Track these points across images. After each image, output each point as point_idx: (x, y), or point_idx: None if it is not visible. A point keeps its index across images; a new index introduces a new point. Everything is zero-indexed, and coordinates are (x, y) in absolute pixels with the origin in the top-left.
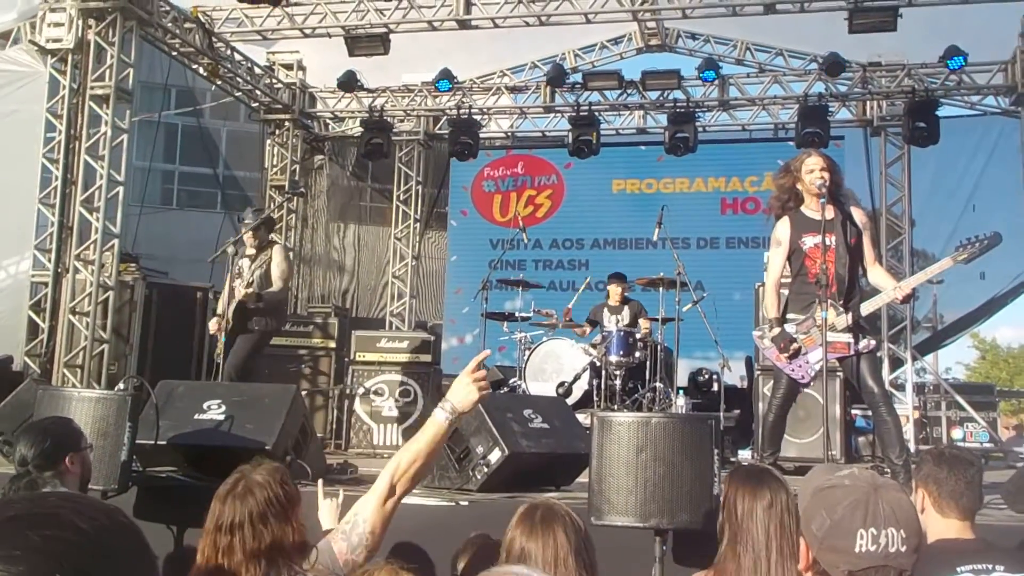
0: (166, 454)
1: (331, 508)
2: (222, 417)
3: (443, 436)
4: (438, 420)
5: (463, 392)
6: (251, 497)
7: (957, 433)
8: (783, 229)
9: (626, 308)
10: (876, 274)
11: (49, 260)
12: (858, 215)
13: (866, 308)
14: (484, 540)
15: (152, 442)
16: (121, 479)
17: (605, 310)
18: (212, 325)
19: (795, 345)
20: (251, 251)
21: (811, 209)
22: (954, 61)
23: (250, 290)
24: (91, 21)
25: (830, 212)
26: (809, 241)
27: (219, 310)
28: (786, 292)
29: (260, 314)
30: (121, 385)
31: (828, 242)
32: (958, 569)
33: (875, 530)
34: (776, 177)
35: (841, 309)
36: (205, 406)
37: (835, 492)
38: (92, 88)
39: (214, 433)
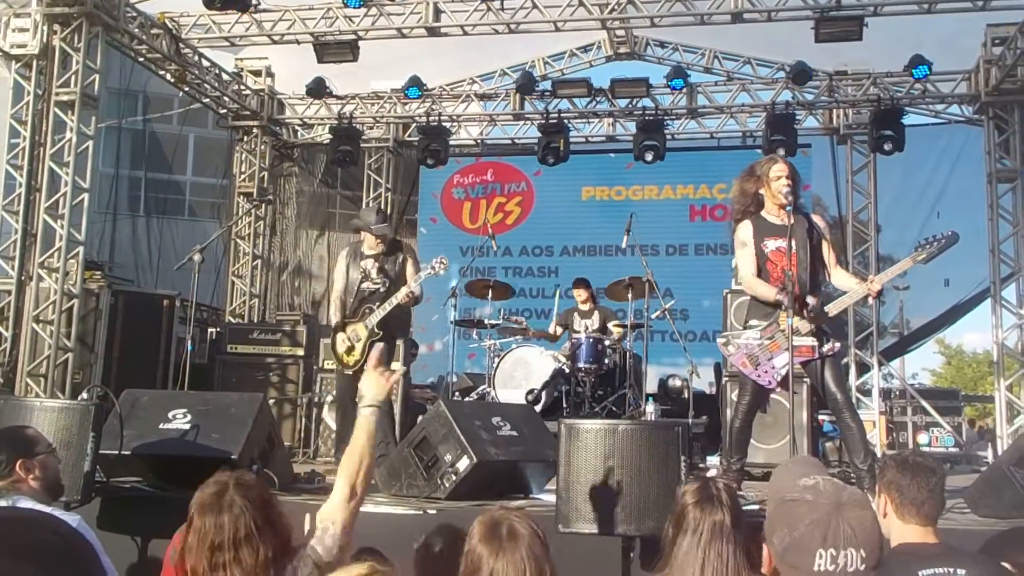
0: (130, 464)
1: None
2: (187, 426)
3: (376, 430)
4: (367, 417)
5: (376, 386)
6: (243, 506)
7: (923, 438)
8: (746, 230)
9: (596, 314)
10: (839, 276)
11: (12, 268)
12: (818, 220)
13: (833, 309)
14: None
15: (116, 452)
16: (84, 490)
17: (576, 315)
18: (349, 332)
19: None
20: (374, 251)
21: (772, 214)
22: (919, 70)
23: (413, 292)
24: (56, 26)
25: (788, 217)
26: (771, 245)
27: (335, 313)
28: (746, 298)
29: (400, 324)
30: (84, 395)
31: (791, 246)
32: (919, 573)
33: (834, 551)
34: (742, 180)
35: (804, 313)
36: (170, 415)
37: (798, 508)
38: (57, 94)
39: (179, 443)
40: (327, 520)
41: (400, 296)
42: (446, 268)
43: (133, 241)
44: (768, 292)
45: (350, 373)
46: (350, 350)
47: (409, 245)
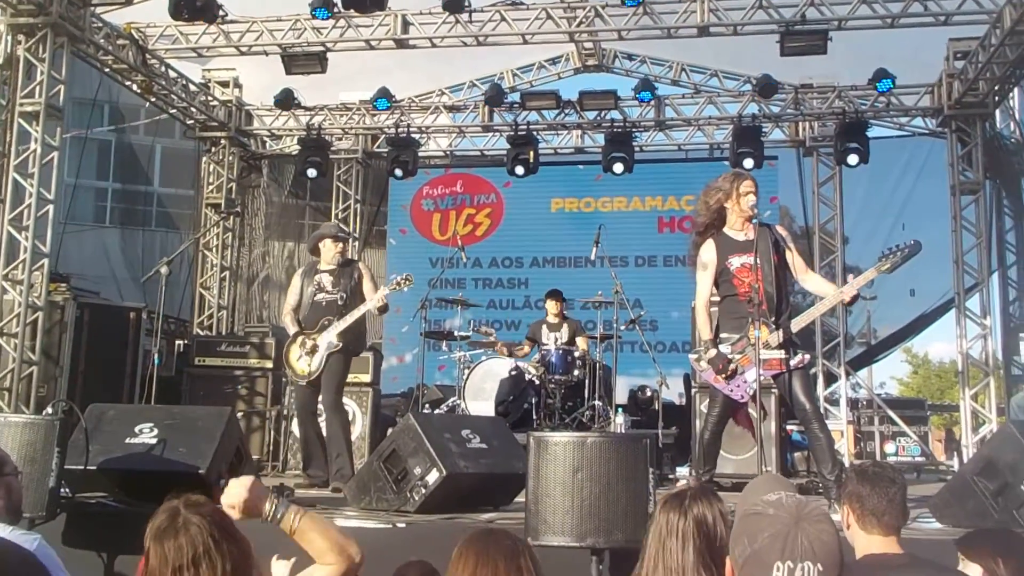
0: (96, 479)
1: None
2: (154, 441)
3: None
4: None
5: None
6: (199, 523)
7: (890, 447)
8: (708, 252)
9: (565, 326)
10: (813, 281)
11: None
12: (780, 231)
13: (801, 321)
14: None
15: (82, 467)
16: (49, 506)
17: (544, 327)
18: (305, 343)
19: (732, 366)
20: (330, 266)
21: (735, 230)
22: (883, 84)
23: (382, 302)
24: (20, 37)
25: (752, 232)
26: (736, 262)
27: (290, 324)
28: (715, 310)
29: (351, 334)
30: (49, 409)
31: (756, 261)
32: None
33: (791, 563)
34: (706, 195)
35: (773, 326)
36: (137, 430)
37: (759, 520)
38: (21, 105)
39: (146, 457)
40: None
41: (372, 305)
42: (411, 284)
43: (99, 252)
44: (704, 330)
45: (304, 384)
46: (305, 362)
47: (365, 263)
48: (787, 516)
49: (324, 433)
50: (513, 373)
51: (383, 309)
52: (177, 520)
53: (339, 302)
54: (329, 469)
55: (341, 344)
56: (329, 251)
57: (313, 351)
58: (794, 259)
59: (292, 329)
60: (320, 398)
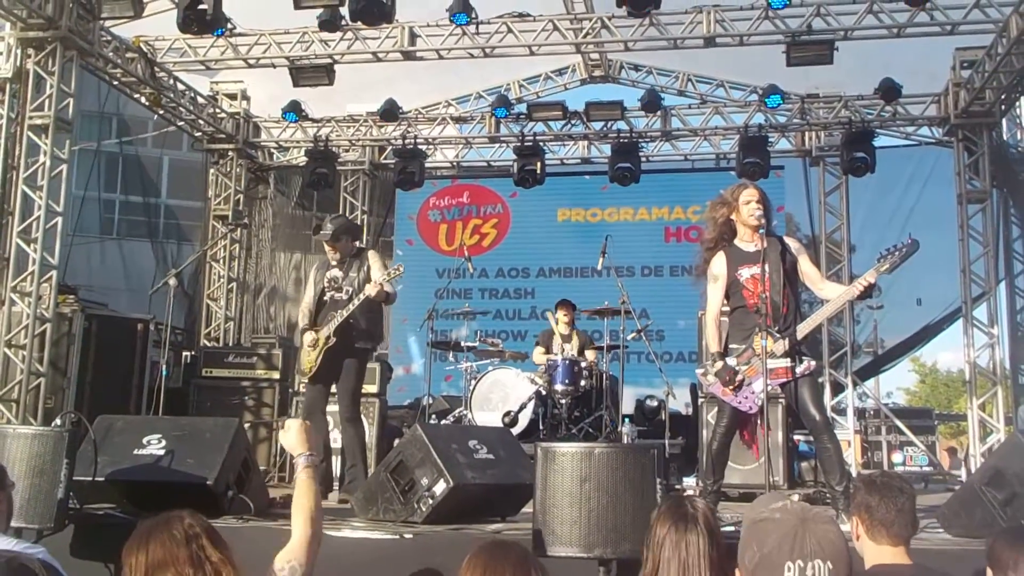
0: (104, 491)
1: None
2: (162, 452)
3: (311, 479)
4: (301, 474)
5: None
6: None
7: (897, 457)
8: (719, 264)
9: (575, 338)
10: (828, 289)
11: None
12: (790, 242)
13: (810, 323)
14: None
15: (90, 479)
16: (57, 517)
17: (555, 337)
18: (308, 338)
19: (739, 378)
20: (336, 261)
21: (744, 241)
22: (889, 93)
23: (375, 290)
24: (30, 50)
25: (761, 243)
26: (745, 272)
27: (301, 321)
28: (724, 320)
29: (364, 333)
30: (58, 421)
31: (764, 271)
32: None
33: (802, 562)
34: (712, 208)
35: (778, 335)
36: (145, 441)
37: (766, 525)
38: (31, 118)
39: (154, 468)
40: (289, 560)
41: (364, 296)
42: (400, 275)
43: (107, 264)
44: (712, 343)
45: (307, 382)
46: (306, 356)
47: (374, 251)
48: (793, 518)
49: (339, 443)
50: (520, 383)
51: (386, 296)
52: (159, 528)
53: (345, 298)
54: (343, 478)
55: (336, 339)
56: (328, 252)
57: (315, 345)
58: (808, 270)
59: (303, 325)
60: (338, 409)
